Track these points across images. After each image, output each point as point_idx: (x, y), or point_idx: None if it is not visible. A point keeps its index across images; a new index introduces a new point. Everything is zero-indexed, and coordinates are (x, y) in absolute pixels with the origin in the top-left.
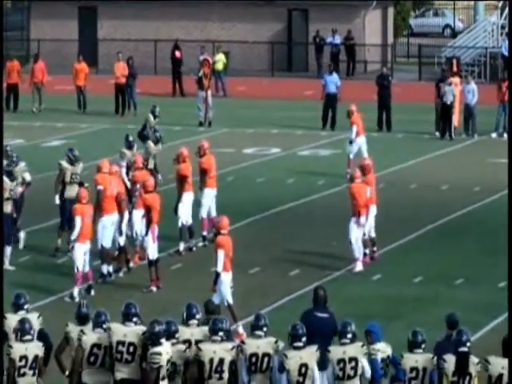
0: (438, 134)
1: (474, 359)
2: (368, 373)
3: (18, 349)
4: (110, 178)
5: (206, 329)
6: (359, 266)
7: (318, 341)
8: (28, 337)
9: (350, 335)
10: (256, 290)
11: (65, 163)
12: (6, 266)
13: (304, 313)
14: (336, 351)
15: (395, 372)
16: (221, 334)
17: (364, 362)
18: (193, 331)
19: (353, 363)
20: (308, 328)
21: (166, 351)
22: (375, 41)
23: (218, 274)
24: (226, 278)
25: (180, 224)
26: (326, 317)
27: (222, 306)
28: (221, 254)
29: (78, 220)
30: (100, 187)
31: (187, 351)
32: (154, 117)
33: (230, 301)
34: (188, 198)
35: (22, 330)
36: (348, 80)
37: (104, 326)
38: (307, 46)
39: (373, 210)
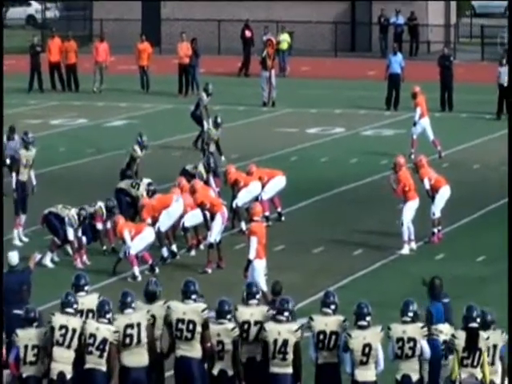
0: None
1: (483, 334)
2: (427, 354)
3: (90, 326)
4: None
5: (265, 309)
6: (405, 250)
7: None
8: (104, 320)
9: (411, 313)
10: (320, 269)
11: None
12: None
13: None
14: (396, 329)
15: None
16: (286, 314)
17: (423, 344)
18: (252, 311)
19: (411, 343)
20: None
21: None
22: (438, 21)
23: (249, 262)
24: (260, 265)
25: (234, 205)
26: (446, 301)
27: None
28: (254, 240)
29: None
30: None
31: (235, 330)
32: (208, 94)
33: (264, 288)
34: (254, 187)
35: (101, 311)
36: (411, 60)
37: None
38: (371, 26)
39: (444, 191)
